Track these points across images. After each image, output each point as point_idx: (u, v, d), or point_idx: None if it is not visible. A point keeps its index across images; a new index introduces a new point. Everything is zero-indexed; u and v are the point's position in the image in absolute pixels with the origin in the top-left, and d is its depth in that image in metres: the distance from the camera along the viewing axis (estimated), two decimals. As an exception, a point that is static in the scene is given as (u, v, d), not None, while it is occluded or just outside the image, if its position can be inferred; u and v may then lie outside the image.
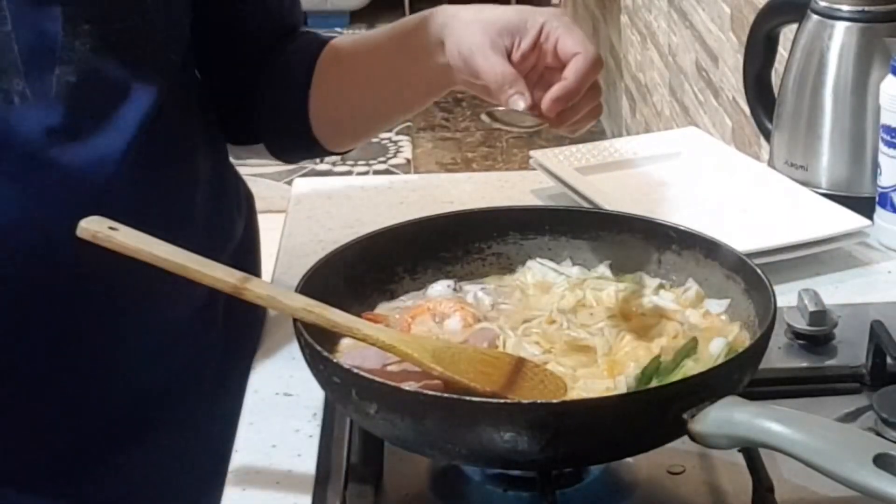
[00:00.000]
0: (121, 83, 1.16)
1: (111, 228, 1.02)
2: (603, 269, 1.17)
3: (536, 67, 1.16)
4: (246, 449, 1.12)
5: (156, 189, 1.19)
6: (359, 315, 1.07)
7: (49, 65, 1.12)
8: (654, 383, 1.01)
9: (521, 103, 1.12)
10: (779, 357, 1.20)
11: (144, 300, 1.19)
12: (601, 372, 1.04)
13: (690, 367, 1.02)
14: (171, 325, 1.23)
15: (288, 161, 1.40)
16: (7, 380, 1.16)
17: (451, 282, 1.16)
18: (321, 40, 1.33)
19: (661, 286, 1.15)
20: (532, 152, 1.59)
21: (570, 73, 1.11)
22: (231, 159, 1.37)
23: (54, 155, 1.12)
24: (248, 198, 1.39)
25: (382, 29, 1.31)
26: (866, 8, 1.48)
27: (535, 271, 1.17)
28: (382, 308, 1.14)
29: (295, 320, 1.01)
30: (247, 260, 1.34)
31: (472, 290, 1.15)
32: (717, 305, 1.11)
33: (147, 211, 1.16)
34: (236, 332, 1.30)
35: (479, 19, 1.16)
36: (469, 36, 1.16)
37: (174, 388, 1.25)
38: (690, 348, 1.05)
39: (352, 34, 1.32)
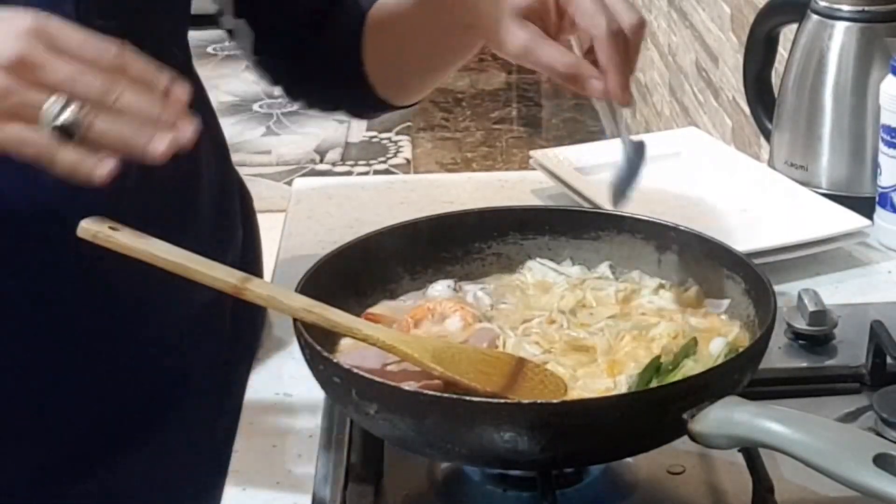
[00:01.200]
0: None
1: (111, 228, 1.01)
2: (603, 269, 1.17)
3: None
4: (246, 449, 1.12)
5: (164, 187, 1.19)
6: (359, 315, 1.07)
7: None
8: (654, 383, 1.01)
9: (599, 87, 1.14)
10: (779, 357, 1.20)
11: (152, 295, 1.19)
12: (601, 372, 1.04)
13: (690, 367, 1.02)
14: (178, 323, 1.23)
15: (368, 118, 1.52)
16: (10, 375, 1.16)
17: (451, 282, 1.16)
18: (363, 8, 1.35)
19: (661, 286, 1.15)
20: (532, 152, 1.59)
21: (606, 61, 1.13)
22: (231, 161, 1.37)
23: None
24: (247, 198, 1.39)
25: None
26: (866, 8, 1.48)
27: (535, 271, 1.17)
28: (383, 308, 1.13)
29: (295, 320, 1.01)
30: (249, 260, 1.34)
31: (472, 290, 1.15)
32: (717, 305, 1.11)
33: (156, 209, 1.16)
34: (242, 331, 1.30)
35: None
36: (509, 36, 1.17)
37: (179, 388, 1.25)
38: (690, 348, 1.05)
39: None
